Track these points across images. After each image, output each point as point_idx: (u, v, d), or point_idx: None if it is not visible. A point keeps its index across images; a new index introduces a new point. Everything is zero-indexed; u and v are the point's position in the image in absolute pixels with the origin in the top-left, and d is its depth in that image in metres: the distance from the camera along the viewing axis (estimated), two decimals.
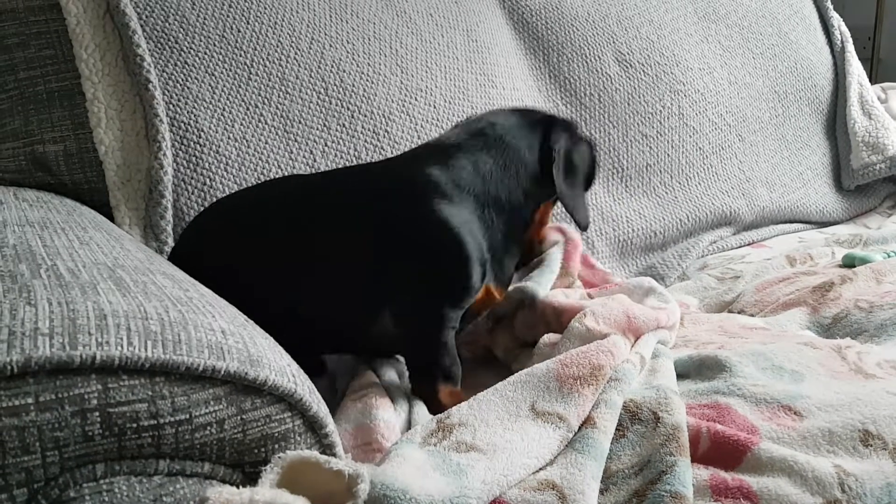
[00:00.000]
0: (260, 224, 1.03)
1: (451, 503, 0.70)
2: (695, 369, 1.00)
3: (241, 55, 1.34)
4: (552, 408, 0.86)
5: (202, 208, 1.22)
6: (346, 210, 1.01)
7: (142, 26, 1.26)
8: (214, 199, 1.23)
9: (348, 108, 1.40)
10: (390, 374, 1.01)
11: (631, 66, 1.81)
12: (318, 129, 1.36)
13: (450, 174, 1.02)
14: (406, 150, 1.21)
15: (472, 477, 0.73)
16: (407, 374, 1.02)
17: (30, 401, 0.55)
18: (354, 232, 0.99)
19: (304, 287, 1.00)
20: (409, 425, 0.93)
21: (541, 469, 0.79)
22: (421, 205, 0.99)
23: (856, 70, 2.18)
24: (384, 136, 1.42)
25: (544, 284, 1.17)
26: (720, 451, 0.81)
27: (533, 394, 0.88)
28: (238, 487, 0.62)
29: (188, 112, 1.26)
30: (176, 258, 1.07)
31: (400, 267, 0.97)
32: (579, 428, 0.84)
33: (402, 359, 1.05)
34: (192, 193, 1.24)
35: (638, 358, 0.98)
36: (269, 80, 1.35)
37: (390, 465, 0.75)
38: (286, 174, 1.30)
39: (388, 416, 0.91)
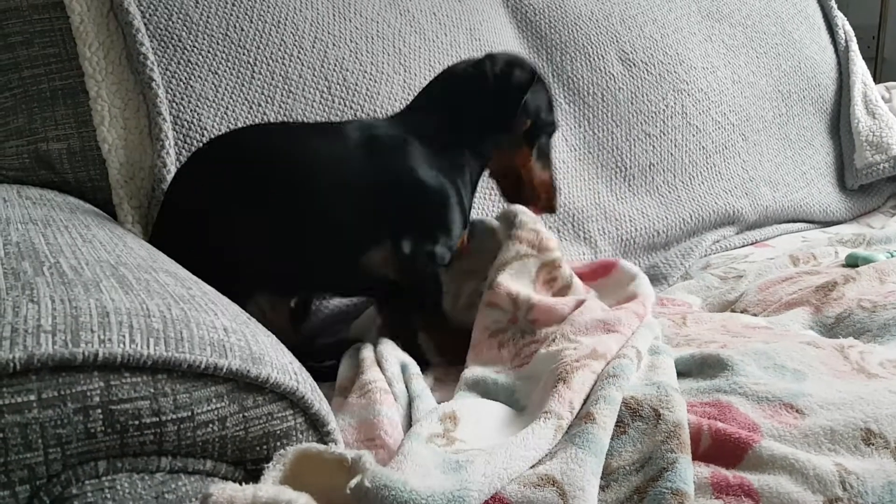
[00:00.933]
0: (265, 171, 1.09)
1: (452, 496, 0.70)
2: (696, 368, 1.00)
3: (244, 54, 1.34)
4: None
5: None
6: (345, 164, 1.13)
7: (145, 25, 1.26)
8: None
9: (351, 108, 1.40)
10: (393, 370, 1.02)
11: (634, 65, 1.81)
12: None
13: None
14: None
15: (471, 471, 0.74)
16: (408, 370, 1.03)
17: (32, 398, 0.55)
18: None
19: (310, 228, 1.08)
20: (409, 419, 0.93)
21: (541, 464, 0.79)
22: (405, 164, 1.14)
23: (860, 69, 2.18)
24: None
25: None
26: (721, 448, 0.81)
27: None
28: (241, 484, 0.62)
29: (191, 110, 1.26)
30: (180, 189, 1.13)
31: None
32: (579, 423, 0.84)
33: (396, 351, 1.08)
34: None
35: (634, 352, 0.99)
36: (273, 79, 1.35)
37: (392, 464, 0.76)
38: None
39: (391, 412, 0.92)
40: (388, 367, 1.02)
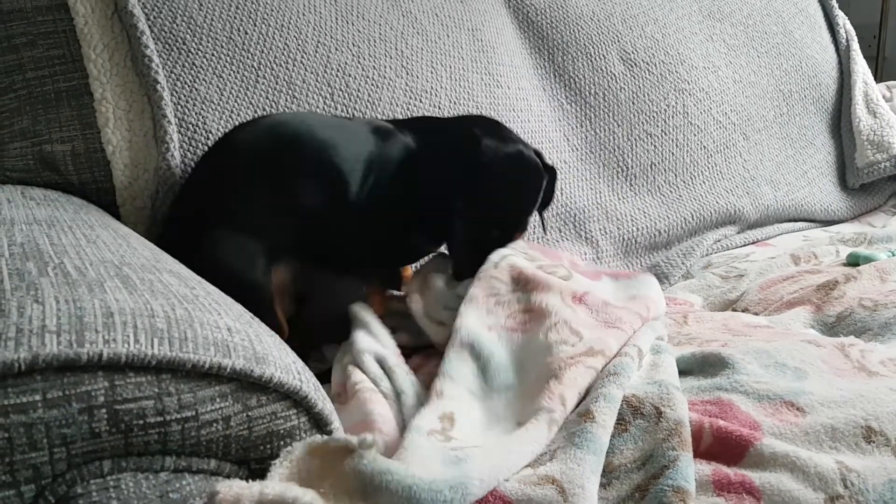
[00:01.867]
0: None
1: (455, 481, 0.71)
2: (698, 366, 1.01)
3: (248, 57, 1.34)
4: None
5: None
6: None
7: (150, 27, 1.26)
8: None
9: (353, 113, 1.40)
10: (374, 370, 1.02)
11: (635, 64, 1.81)
12: None
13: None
14: None
15: (471, 464, 0.75)
16: (385, 363, 1.04)
17: (37, 398, 0.56)
18: None
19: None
20: (401, 414, 0.94)
21: (540, 464, 0.80)
22: None
23: (861, 68, 2.18)
24: None
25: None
26: (723, 446, 0.82)
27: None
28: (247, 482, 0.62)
29: (196, 113, 1.27)
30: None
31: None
32: (578, 422, 0.85)
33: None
34: None
35: (636, 351, 0.99)
36: (276, 84, 1.35)
37: (396, 456, 0.77)
38: None
39: (382, 410, 0.93)
40: (367, 367, 1.02)
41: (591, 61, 1.77)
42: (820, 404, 0.87)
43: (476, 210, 1.17)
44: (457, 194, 1.17)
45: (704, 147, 1.84)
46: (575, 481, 0.75)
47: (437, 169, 1.19)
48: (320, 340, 1.25)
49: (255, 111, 1.31)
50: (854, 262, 1.46)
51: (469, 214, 1.17)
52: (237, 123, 1.29)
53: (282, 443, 0.68)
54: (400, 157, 1.20)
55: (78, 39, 1.22)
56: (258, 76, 1.34)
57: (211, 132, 1.26)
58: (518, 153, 1.21)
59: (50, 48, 1.21)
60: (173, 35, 1.29)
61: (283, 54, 1.37)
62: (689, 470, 0.77)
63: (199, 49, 1.30)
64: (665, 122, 1.80)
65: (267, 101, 1.33)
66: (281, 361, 0.69)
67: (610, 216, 1.67)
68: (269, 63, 1.35)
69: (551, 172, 1.27)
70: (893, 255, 1.49)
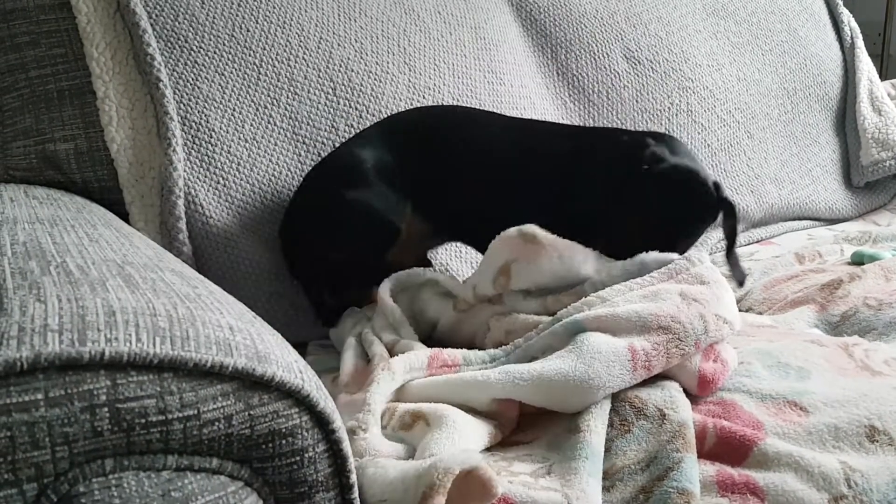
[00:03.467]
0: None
1: None
2: None
3: (250, 55, 1.34)
4: None
5: (216, 207, 1.24)
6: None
7: (152, 25, 1.27)
8: (229, 199, 1.25)
9: (356, 108, 1.40)
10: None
11: (639, 62, 1.81)
12: (325, 130, 1.37)
13: None
14: None
15: None
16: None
17: (39, 396, 0.55)
18: None
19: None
20: None
21: (539, 476, 0.79)
22: None
23: (865, 66, 2.18)
24: None
25: None
26: (726, 447, 0.82)
27: None
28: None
29: (199, 112, 1.27)
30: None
31: None
32: (569, 437, 0.84)
33: None
34: (207, 192, 1.25)
35: None
36: (279, 81, 1.35)
37: None
38: (295, 177, 1.32)
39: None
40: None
41: (595, 59, 1.77)
42: (823, 404, 0.87)
43: (626, 214, 1.12)
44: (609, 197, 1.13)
45: (709, 145, 1.84)
46: (576, 488, 0.75)
47: (595, 170, 1.18)
48: None
49: (258, 108, 1.31)
50: (859, 260, 1.46)
51: (619, 221, 1.12)
52: (239, 121, 1.29)
53: (284, 441, 0.67)
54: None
55: (80, 38, 1.22)
56: (260, 74, 1.34)
57: (213, 130, 1.26)
58: (686, 167, 1.12)
59: (52, 47, 1.21)
60: (175, 33, 1.29)
61: (284, 51, 1.37)
62: (694, 471, 0.77)
63: (201, 47, 1.30)
64: (669, 120, 1.80)
65: (269, 98, 1.33)
66: (283, 360, 0.68)
67: None
68: (271, 60, 1.36)
69: (727, 207, 1.15)
70: None
